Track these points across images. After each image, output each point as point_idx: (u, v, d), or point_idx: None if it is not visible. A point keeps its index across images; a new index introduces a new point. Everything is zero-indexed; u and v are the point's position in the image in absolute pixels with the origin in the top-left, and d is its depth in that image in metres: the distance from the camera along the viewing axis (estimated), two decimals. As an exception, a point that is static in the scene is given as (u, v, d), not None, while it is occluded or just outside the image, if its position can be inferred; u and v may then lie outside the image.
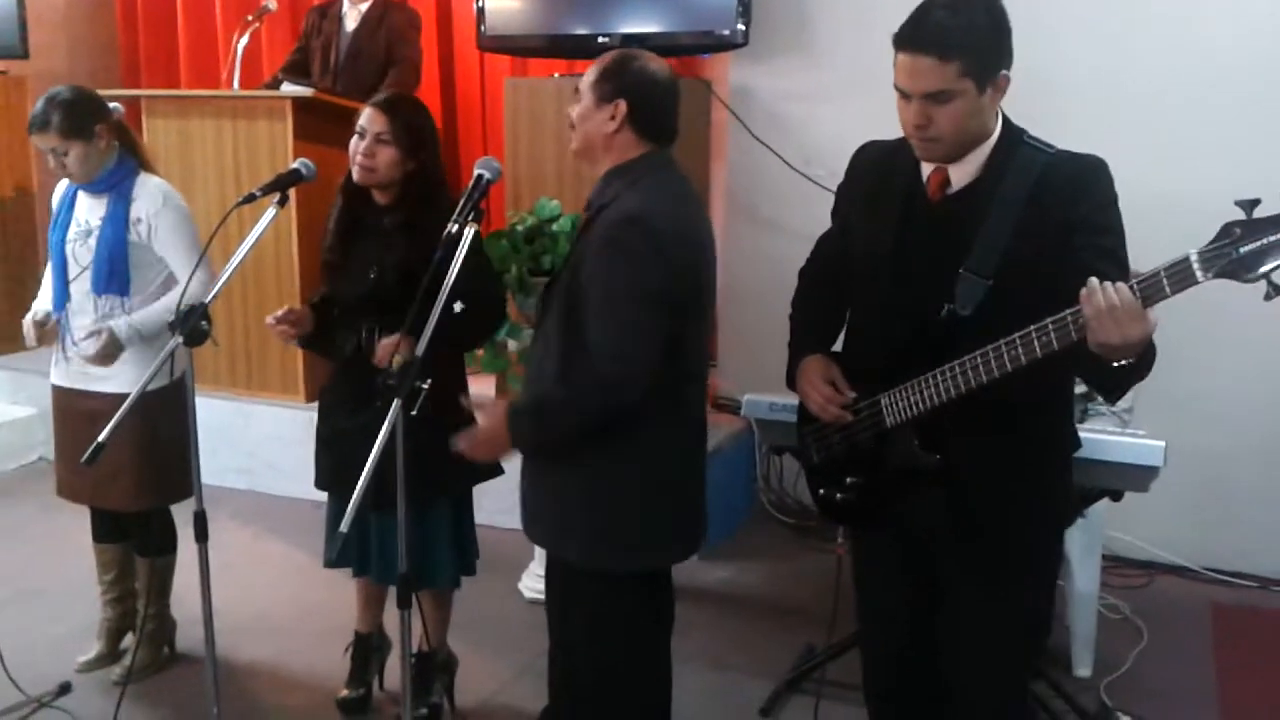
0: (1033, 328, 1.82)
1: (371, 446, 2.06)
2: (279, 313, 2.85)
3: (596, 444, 2.23)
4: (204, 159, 4.84)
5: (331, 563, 2.90)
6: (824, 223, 4.64)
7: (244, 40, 5.03)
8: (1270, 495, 4.11)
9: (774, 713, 3.24)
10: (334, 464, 2.93)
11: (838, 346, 2.29)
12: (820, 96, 4.64)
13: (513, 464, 2.48)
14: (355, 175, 2.80)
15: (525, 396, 2.37)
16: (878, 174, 2.15)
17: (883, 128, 4.48)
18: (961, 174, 2.01)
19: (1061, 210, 1.92)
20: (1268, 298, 1.66)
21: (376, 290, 2.78)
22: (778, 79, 4.73)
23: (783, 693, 3.31)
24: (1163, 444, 2.86)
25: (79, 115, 3.01)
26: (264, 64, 5.85)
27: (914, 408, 2.03)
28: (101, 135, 3.05)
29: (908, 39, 1.92)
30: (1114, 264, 1.83)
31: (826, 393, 2.16)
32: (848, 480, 2.20)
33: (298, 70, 5.13)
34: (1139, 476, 2.86)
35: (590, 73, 2.30)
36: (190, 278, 2.81)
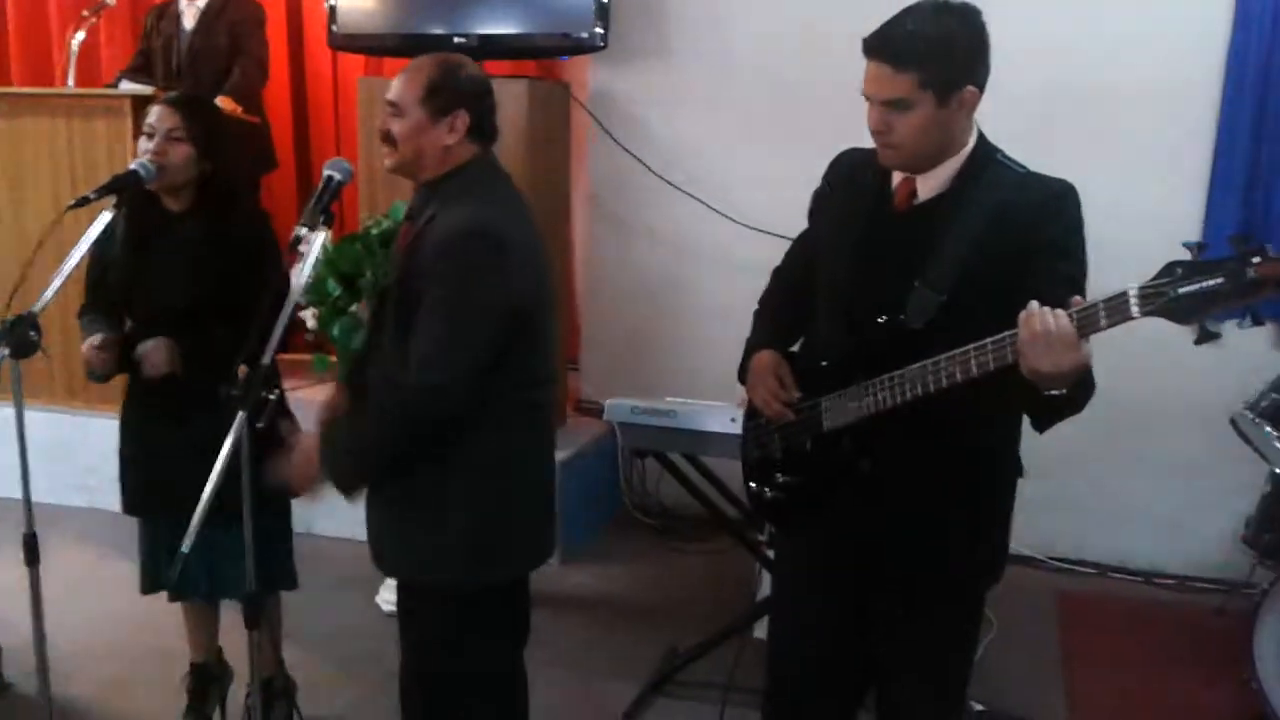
0: (972, 346, 1.80)
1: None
2: (96, 340, 2.65)
3: (445, 458, 2.18)
4: (37, 160, 4.59)
5: (155, 589, 2.83)
6: (684, 226, 4.76)
7: (80, 36, 4.81)
8: (1108, 486, 4.30)
9: (637, 716, 3.23)
10: (145, 485, 2.79)
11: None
12: (679, 100, 4.68)
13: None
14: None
15: (340, 429, 2.27)
16: (850, 180, 2.13)
17: (740, 131, 4.61)
18: (929, 186, 1.99)
19: (1024, 231, 1.89)
20: (1197, 342, 1.65)
21: (189, 302, 2.64)
22: (637, 82, 4.74)
23: (646, 696, 3.30)
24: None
25: None
26: (102, 61, 5.59)
27: (850, 414, 2.02)
28: None
29: (869, 45, 1.90)
30: (1070, 290, 1.75)
31: (772, 387, 2.14)
32: (779, 479, 2.19)
33: (141, 73, 4.92)
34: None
35: (410, 86, 2.20)
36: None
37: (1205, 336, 1.64)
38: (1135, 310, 1.64)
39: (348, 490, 2.23)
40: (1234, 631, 3.30)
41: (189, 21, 4.88)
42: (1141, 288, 1.64)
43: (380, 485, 2.29)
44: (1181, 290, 1.61)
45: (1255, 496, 3.59)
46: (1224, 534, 4.03)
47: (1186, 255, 1.64)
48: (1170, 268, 1.63)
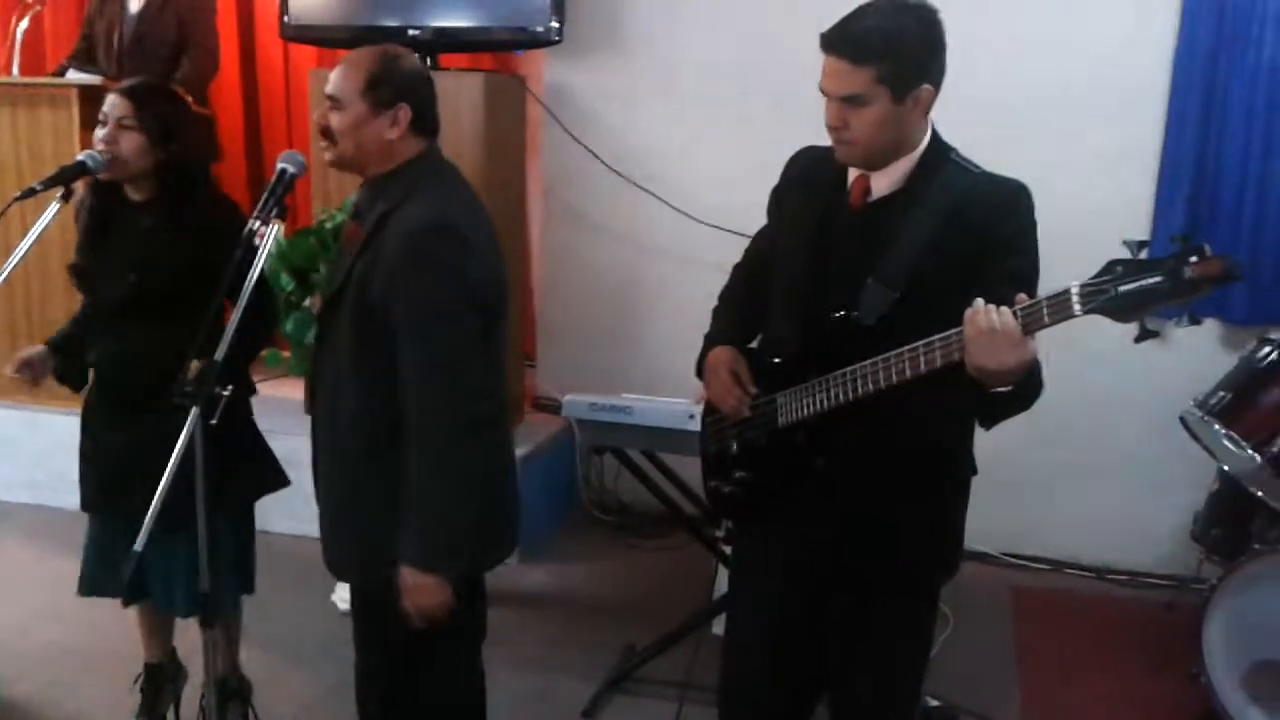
0: (920, 343, 1.81)
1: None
2: (14, 363, 2.63)
3: (398, 459, 2.12)
4: (-20, 150, 4.49)
5: (92, 592, 2.75)
6: (641, 221, 4.75)
7: (24, 24, 4.71)
8: (1060, 484, 4.35)
9: (595, 714, 3.22)
10: (102, 482, 2.73)
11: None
12: (634, 94, 4.67)
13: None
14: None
15: (412, 517, 2.12)
16: (807, 178, 2.14)
17: (697, 126, 4.60)
18: (883, 183, 2.00)
19: (978, 230, 1.91)
20: (1138, 340, 1.67)
21: (140, 293, 2.59)
22: (592, 76, 4.72)
23: (604, 694, 3.29)
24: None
25: None
26: (47, 49, 5.49)
27: (804, 410, 2.02)
28: None
29: (827, 40, 1.91)
30: (1021, 288, 1.76)
31: (728, 383, 2.14)
32: (736, 474, 2.19)
33: (85, 58, 4.78)
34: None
35: (350, 79, 2.15)
36: None
37: (1145, 334, 1.67)
38: (1077, 308, 1.66)
39: (458, 552, 2.15)
40: (1183, 626, 3.35)
41: (134, 4, 4.69)
42: (1083, 285, 1.67)
43: (334, 486, 2.26)
44: (1121, 289, 1.64)
45: (1204, 493, 3.66)
46: (1174, 530, 4.08)
47: (1129, 254, 1.66)
48: (1111, 266, 1.66)
